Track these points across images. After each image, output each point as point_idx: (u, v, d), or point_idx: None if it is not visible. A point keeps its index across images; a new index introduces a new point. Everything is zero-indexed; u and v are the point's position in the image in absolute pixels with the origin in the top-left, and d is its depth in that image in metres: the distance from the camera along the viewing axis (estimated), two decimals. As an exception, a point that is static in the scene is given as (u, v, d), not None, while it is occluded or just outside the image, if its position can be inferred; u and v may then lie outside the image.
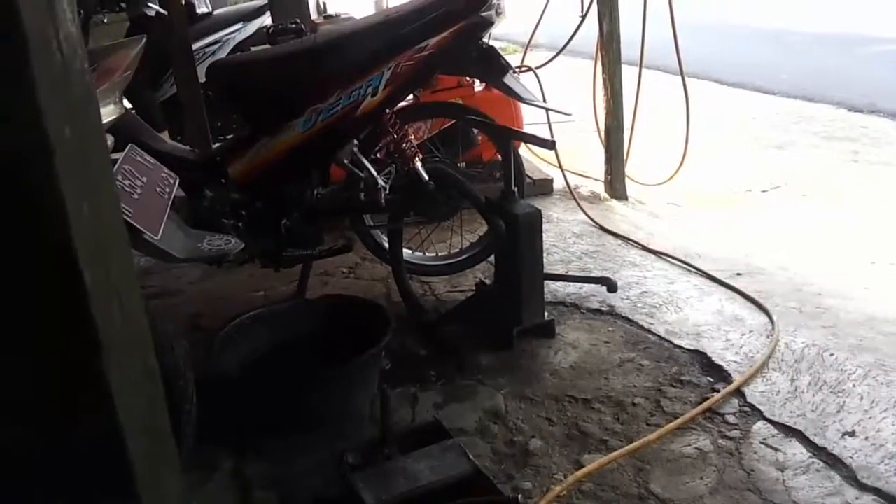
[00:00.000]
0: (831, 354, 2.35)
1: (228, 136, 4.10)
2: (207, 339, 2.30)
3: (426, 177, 2.51)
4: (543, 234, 2.57)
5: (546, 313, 2.60)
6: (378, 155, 2.74)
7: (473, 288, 2.74)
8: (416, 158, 2.54)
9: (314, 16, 4.46)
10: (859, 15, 10.47)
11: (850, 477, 1.85)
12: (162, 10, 2.70)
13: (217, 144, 3.19)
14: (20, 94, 0.62)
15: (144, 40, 1.89)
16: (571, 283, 2.90)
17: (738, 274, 3.00)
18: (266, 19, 4.54)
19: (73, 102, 0.69)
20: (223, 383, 2.18)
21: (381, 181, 2.54)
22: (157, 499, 0.74)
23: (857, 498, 1.78)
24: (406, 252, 2.89)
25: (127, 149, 1.83)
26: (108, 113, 1.71)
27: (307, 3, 4.03)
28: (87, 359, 0.66)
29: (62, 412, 0.69)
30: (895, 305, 2.81)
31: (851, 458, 1.91)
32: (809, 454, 1.94)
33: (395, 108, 2.59)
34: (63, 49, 0.67)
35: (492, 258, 2.86)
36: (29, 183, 0.64)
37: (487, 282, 2.74)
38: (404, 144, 2.53)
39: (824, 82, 7.04)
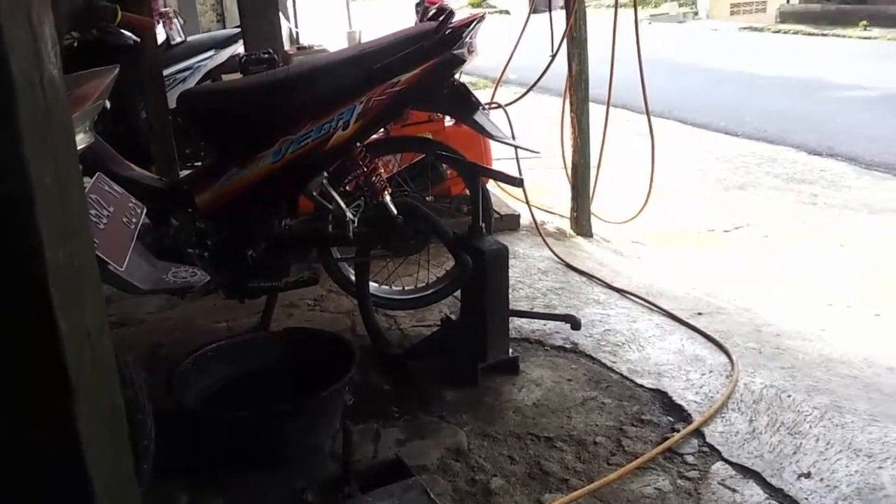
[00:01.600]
0: (789, 396, 2.39)
1: (196, 165, 4.08)
2: (168, 371, 2.27)
3: (395, 210, 2.53)
4: (509, 270, 2.59)
5: (511, 350, 2.62)
6: (347, 187, 2.75)
7: (439, 323, 2.74)
8: (385, 192, 2.56)
9: (287, 46, 4.48)
10: (820, 62, 10.80)
11: (805, 519, 1.87)
12: (136, 38, 2.70)
13: (185, 173, 3.18)
14: (6, 139, 0.62)
15: (118, 69, 1.89)
16: (536, 320, 2.92)
17: (700, 313, 3.05)
18: (239, 48, 4.55)
19: (55, 148, 0.69)
20: (182, 416, 2.15)
21: (349, 214, 2.55)
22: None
23: (811, 540, 1.80)
24: (372, 285, 2.89)
25: (94, 178, 1.81)
26: (79, 141, 1.70)
27: (281, 33, 4.05)
28: (57, 400, 0.65)
29: (28, 450, 0.68)
30: (850, 347, 2.88)
31: (806, 499, 1.93)
32: (766, 495, 1.96)
33: (366, 142, 2.60)
34: (46, 93, 0.67)
35: (458, 293, 2.87)
36: (8, 227, 0.64)
37: (453, 317, 2.75)
38: (374, 178, 2.55)
39: (786, 126, 7.24)
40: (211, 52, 4.65)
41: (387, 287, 3.07)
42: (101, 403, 0.72)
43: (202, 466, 2.10)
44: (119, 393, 0.78)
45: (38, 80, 0.66)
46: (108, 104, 2.02)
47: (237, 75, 3.08)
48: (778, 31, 16.28)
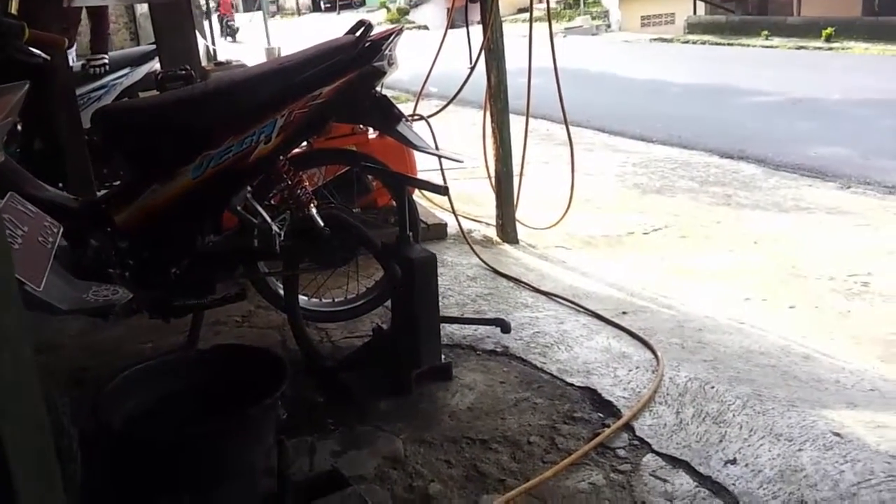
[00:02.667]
0: (712, 387, 2.47)
1: (115, 184, 3.97)
2: (93, 395, 2.20)
3: (321, 223, 2.52)
4: (439, 278, 2.62)
5: (443, 356, 2.63)
6: (272, 201, 2.73)
7: (370, 333, 2.74)
8: (311, 205, 2.55)
9: (204, 62, 4.42)
10: (727, 70, 11.25)
11: (733, 503, 1.94)
12: (45, 56, 2.61)
13: (102, 192, 3.09)
14: None
15: (28, 85, 1.83)
16: (467, 326, 2.95)
17: (624, 312, 3.13)
18: (155, 65, 4.46)
19: None
20: (109, 440, 2.09)
21: (275, 227, 2.52)
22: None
23: (739, 523, 1.87)
24: (302, 298, 2.86)
25: (7, 197, 1.75)
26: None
27: (197, 49, 3.99)
28: None
29: None
30: (768, 339, 3.00)
31: (734, 484, 2.00)
32: (695, 483, 2.03)
33: (289, 155, 2.59)
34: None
35: (388, 303, 2.87)
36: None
37: (384, 326, 2.75)
38: (299, 191, 2.53)
39: (699, 131, 7.52)
40: (126, 70, 4.55)
41: (316, 300, 3.05)
42: (25, 414, 0.70)
43: (133, 492, 2.04)
44: (43, 404, 0.75)
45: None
46: (18, 125, 1.95)
47: (154, 93, 3.03)
48: (687, 42, 16.95)
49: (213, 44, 8.38)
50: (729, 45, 15.50)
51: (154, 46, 4.35)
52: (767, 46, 14.75)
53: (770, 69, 10.76)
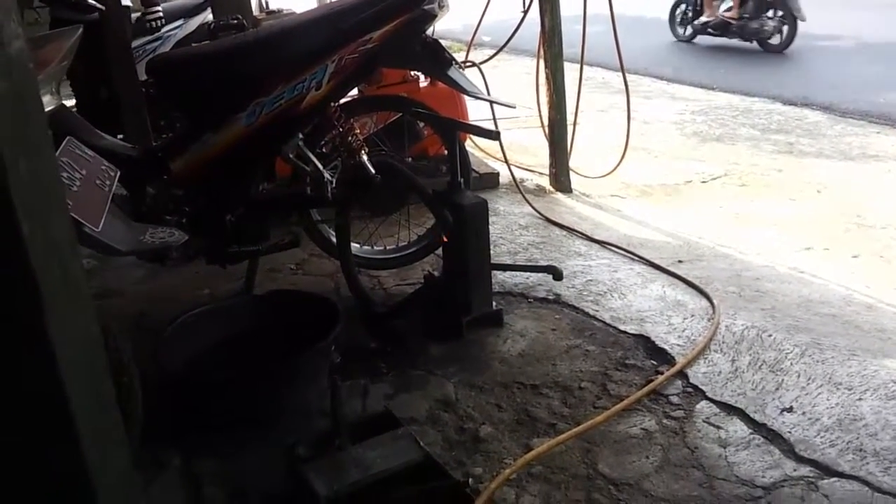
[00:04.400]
0: (770, 335, 2.42)
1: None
2: (153, 339, 2.27)
3: (373, 170, 2.52)
4: (490, 227, 2.60)
5: (494, 303, 2.63)
6: (324, 149, 2.73)
7: (422, 280, 2.75)
8: (362, 152, 2.55)
9: (256, 12, 4.41)
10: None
11: (789, 450, 1.91)
12: (100, 6, 2.65)
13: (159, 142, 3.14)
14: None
15: (81, 30, 1.85)
16: (518, 273, 2.93)
17: (680, 261, 3.07)
18: (207, 15, 4.47)
19: (10, 60, 0.68)
20: (170, 380, 2.15)
21: (327, 175, 2.53)
22: (104, 468, 0.74)
23: (794, 470, 1.84)
24: (354, 246, 2.88)
25: (65, 141, 1.79)
26: (45, 103, 1.67)
27: (249, -1, 3.98)
28: (30, 315, 0.65)
29: (4, 369, 0.67)
30: (829, 288, 2.92)
31: (790, 432, 1.97)
32: (750, 430, 2.00)
33: (340, 102, 2.58)
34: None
35: (440, 251, 2.87)
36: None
37: (436, 274, 2.75)
38: (350, 138, 2.53)
39: (761, 76, 7.25)
40: (180, 21, 4.57)
41: (368, 247, 3.06)
42: (77, 324, 0.72)
43: (192, 430, 2.11)
44: (95, 321, 0.77)
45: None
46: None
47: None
48: (751, -15, 16.18)
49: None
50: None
51: (206, -3, 4.37)
52: (837, -12, 14.08)
53: (841, 11, 10.27)
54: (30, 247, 0.64)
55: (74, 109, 3.02)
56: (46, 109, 1.66)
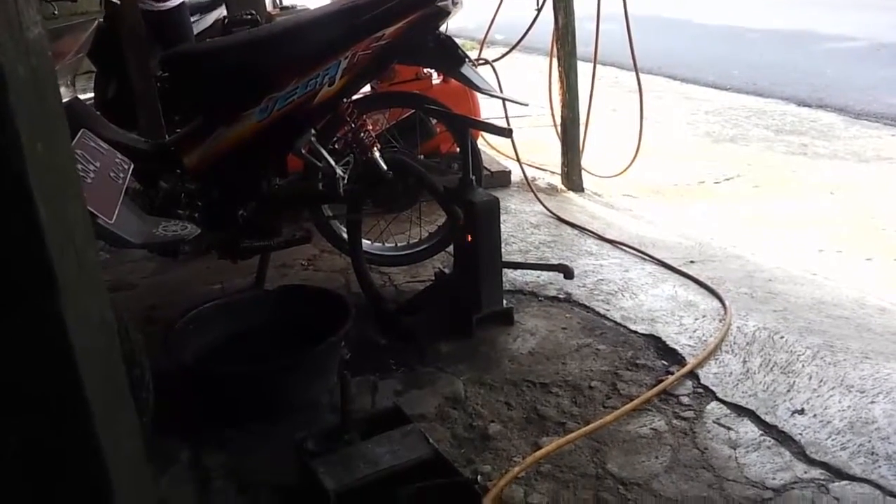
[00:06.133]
0: (781, 337, 2.41)
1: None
2: (164, 332, 2.28)
3: (384, 166, 2.52)
4: (502, 225, 2.60)
5: (504, 301, 2.63)
6: (336, 145, 2.74)
7: (432, 277, 2.75)
8: (375, 148, 2.55)
9: (269, 7, 4.43)
10: (810, 13, 10.72)
11: (800, 452, 1.90)
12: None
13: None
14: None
15: (97, 22, 1.86)
16: (529, 271, 2.93)
17: (692, 261, 3.06)
18: (223, 11, 4.49)
19: (28, 45, 0.68)
20: (180, 374, 2.16)
21: (339, 171, 2.54)
22: (117, 454, 0.74)
23: (805, 472, 1.83)
24: (365, 243, 2.89)
25: (80, 133, 1.80)
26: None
27: (263, -6, 4.00)
28: (45, 299, 0.65)
29: (16, 352, 0.68)
30: (842, 290, 2.90)
31: (801, 434, 1.96)
32: (761, 432, 1.99)
33: (353, 98, 2.58)
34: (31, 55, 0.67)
35: (450, 248, 2.87)
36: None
37: (447, 271, 2.75)
38: (362, 134, 2.54)
39: (776, 78, 7.21)
40: (196, 17, 4.58)
41: (380, 244, 3.07)
42: (90, 309, 0.72)
43: (201, 423, 2.11)
44: (109, 306, 0.77)
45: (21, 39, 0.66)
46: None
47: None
48: (767, -15, 16.11)
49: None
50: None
51: (222, -7, 4.38)
52: (853, -11, 13.98)
53: (854, 12, 10.20)
54: (46, 231, 0.65)
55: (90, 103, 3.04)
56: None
